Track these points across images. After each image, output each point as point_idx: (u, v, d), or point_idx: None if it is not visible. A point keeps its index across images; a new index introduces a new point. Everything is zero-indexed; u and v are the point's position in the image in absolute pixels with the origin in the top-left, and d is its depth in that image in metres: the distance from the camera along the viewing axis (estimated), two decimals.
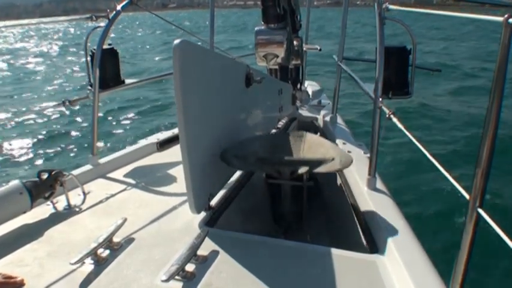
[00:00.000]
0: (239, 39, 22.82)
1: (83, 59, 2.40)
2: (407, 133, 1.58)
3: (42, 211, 1.69)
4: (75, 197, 1.79)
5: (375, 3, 1.75)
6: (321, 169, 1.59)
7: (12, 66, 18.16)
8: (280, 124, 2.92)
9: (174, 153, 2.33)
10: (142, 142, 2.50)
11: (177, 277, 1.19)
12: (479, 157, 1.02)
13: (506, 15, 0.94)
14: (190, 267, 1.25)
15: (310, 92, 4.04)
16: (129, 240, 1.44)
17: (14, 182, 1.60)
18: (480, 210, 1.02)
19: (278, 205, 1.87)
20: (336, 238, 2.00)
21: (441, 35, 23.82)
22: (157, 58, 18.16)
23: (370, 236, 1.49)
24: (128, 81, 2.51)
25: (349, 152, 2.18)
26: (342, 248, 1.38)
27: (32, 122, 8.38)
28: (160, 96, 10.18)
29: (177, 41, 1.31)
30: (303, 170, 1.63)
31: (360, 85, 2.00)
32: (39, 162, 6.43)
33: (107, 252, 1.37)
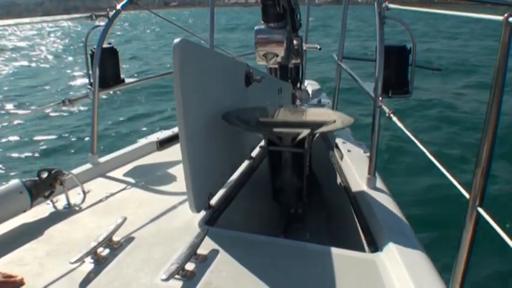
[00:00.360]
0: (246, 38, 22.61)
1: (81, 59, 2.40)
2: (407, 132, 1.58)
3: (42, 210, 1.69)
4: (75, 196, 1.79)
5: (374, 2, 1.75)
6: (322, 129, 1.63)
7: (16, 65, 18.16)
8: None
9: (174, 152, 2.33)
10: (142, 141, 2.50)
11: (176, 276, 1.19)
12: (479, 156, 1.02)
13: (506, 15, 0.93)
14: (190, 266, 1.25)
15: (310, 91, 4.04)
16: (129, 239, 1.44)
17: (14, 181, 1.60)
18: (480, 210, 1.02)
19: (278, 176, 1.88)
20: (336, 237, 2.00)
21: (444, 34, 23.74)
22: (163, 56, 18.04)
23: (370, 235, 1.49)
24: (127, 80, 2.51)
25: (349, 151, 2.18)
26: (342, 247, 1.38)
27: (31, 121, 8.38)
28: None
29: (176, 40, 1.31)
30: (304, 132, 1.64)
31: (360, 84, 1.99)
32: (39, 161, 6.43)
33: (107, 251, 1.37)
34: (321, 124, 1.65)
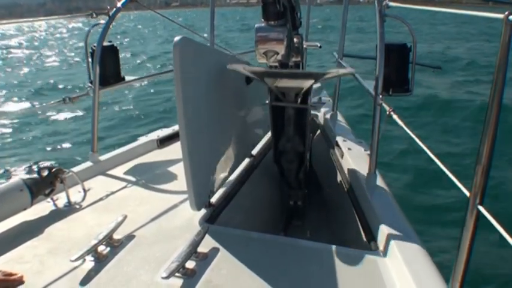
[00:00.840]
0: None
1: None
2: (407, 130, 1.58)
3: (42, 208, 1.69)
4: (75, 194, 1.79)
5: (375, 0, 1.75)
6: (326, 77, 1.72)
7: (18, 64, 18.18)
8: None
9: (175, 150, 2.33)
10: (142, 139, 2.50)
11: (177, 274, 1.19)
12: (479, 154, 1.02)
13: (506, 13, 0.93)
14: (190, 264, 1.25)
15: None
16: (129, 237, 1.45)
17: (15, 179, 1.61)
18: (480, 208, 1.02)
19: (280, 136, 1.89)
20: (336, 235, 2.00)
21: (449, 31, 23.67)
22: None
23: (370, 233, 1.49)
24: (128, 78, 2.51)
25: (349, 149, 2.18)
26: (342, 245, 1.38)
27: (32, 119, 8.39)
28: None
29: (177, 38, 1.32)
30: (307, 83, 1.68)
31: (361, 82, 1.99)
32: (40, 159, 6.44)
33: (107, 249, 1.37)
34: (324, 74, 1.69)
